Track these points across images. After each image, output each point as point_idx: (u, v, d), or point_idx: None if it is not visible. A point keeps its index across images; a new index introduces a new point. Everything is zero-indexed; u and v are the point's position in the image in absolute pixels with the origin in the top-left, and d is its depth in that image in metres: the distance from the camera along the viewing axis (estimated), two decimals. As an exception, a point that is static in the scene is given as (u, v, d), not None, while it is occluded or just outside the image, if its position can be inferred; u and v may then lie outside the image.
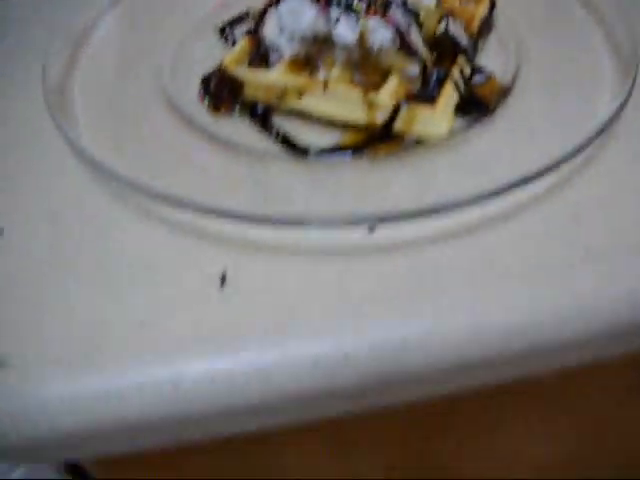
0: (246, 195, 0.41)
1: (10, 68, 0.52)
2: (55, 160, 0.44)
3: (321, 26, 0.43)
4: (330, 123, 0.44)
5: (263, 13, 0.46)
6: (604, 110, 0.41)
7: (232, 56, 0.45)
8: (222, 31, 0.53)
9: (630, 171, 0.40)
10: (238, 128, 0.45)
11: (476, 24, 0.49)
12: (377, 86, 0.44)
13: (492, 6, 0.52)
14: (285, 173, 0.42)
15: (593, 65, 0.48)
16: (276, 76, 0.44)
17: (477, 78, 0.47)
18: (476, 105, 0.45)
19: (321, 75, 0.45)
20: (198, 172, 0.43)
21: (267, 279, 0.37)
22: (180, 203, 0.38)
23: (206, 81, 0.48)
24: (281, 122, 0.45)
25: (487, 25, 0.51)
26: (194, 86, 0.48)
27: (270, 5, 0.46)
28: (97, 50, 0.53)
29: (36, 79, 0.47)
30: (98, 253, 0.39)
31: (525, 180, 0.37)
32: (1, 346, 0.34)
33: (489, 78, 0.47)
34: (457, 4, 0.50)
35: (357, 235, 0.38)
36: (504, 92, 0.46)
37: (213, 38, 0.54)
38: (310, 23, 0.43)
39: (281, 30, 0.45)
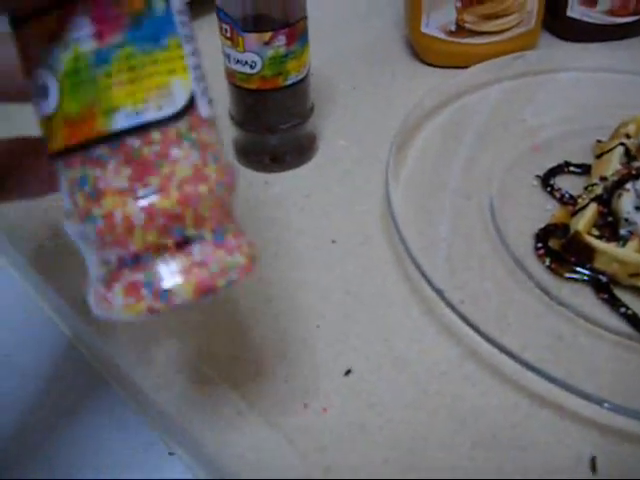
0: (599, 376, 0.41)
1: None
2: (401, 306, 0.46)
3: None
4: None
5: (618, 185, 0.47)
6: None
7: (584, 222, 0.46)
8: (543, 180, 0.53)
9: None
10: (577, 292, 0.46)
11: None
12: None
13: None
14: (630, 353, 0.42)
15: None
16: (634, 254, 0.44)
17: None
18: None
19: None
20: (546, 337, 0.44)
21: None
22: (543, 374, 0.39)
23: (541, 236, 0.48)
24: (624, 297, 0.46)
25: None
26: (519, 230, 0.50)
27: (626, 178, 0.47)
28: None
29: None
30: (451, 411, 0.40)
31: None
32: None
33: None
34: None
35: None
36: None
37: (527, 179, 0.55)
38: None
39: (638, 207, 0.45)
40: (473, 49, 0.65)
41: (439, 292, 0.42)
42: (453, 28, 0.65)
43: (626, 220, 0.46)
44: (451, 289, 0.43)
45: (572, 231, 0.46)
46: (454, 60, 0.65)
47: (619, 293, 0.46)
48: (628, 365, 0.42)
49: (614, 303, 0.45)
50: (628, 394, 0.39)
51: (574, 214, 0.48)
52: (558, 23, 0.71)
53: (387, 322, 0.44)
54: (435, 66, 0.68)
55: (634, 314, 0.44)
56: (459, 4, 0.63)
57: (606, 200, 0.47)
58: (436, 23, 0.65)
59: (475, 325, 0.40)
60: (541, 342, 0.43)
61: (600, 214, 0.47)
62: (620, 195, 0.46)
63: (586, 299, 0.46)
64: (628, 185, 0.46)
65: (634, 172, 0.47)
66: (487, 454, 0.37)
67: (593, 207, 0.47)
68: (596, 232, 0.47)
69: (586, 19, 0.70)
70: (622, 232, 0.46)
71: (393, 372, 0.41)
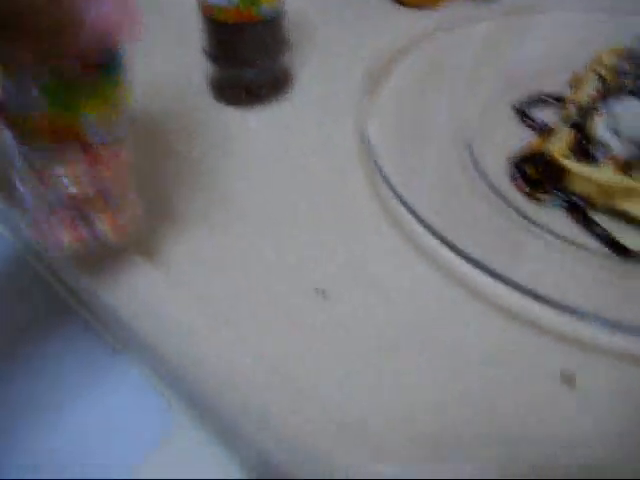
0: (570, 289, 0.41)
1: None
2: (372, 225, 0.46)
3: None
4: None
5: (591, 108, 0.47)
6: None
7: (559, 146, 0.46)
8: (519, 111, 0.53)
9: None
10: (553, 216, 0.46)
11: None
12: None
13: None
14: (606, 271, 0.43)
15: None
16: (609, 174, 0.44)
17: None
18: None
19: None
20: (522, 256, 0.44)
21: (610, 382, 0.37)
22: (517, 286, 0.39)
23: (518, 164, 0.48)
24: (599, 219, 0.46)
25: None
26: (496, 160, 0.50)
27: (598, 100, 0.47)
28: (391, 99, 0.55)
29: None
30: (421, 332, 0.40)
31: None
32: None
33: None
34: None
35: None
36: None
37: (503, 111, 0.55)
38: (653, 130, 0.44)
39: (613, 129, 0.45)
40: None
41: (414, 213, 0.42)
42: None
43: (600, 143, 0.46)
44: (428, 212, 0.43)
45: (548, 155, 0.46)
46: (428, 0, 0.65)
47: (594, 216, 0.46)
48: (605, 280, 0.43)
49: (589, 225, 0.45)
50: (604, 306, 0.39)
51: (549, 140, 0.48)
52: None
53: (357, 239, 0.45)
54: (409, 6, 0.67)
55: (608, 235, 0.44)
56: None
57: (580, 124, 0.47)
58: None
59: (449, 241, 0.40)
60: (517, 260, 0.43)
61: (575, 139, 0.47)
62: (593, 118, 0.46)
63: (562, 221, 0.46)
64: (601, 108, 0.46)
65: (605, 93, 0.46)
66: (462, 368, 0.38)
67: (568, 132, 0.47)
68: (571, 156, 0.47)
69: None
70: (596, 155, 0.46)
71: (365, 290, 0.42)
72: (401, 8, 0.67)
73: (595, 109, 0.47)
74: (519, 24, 0.64)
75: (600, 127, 0.46)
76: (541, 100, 0.55)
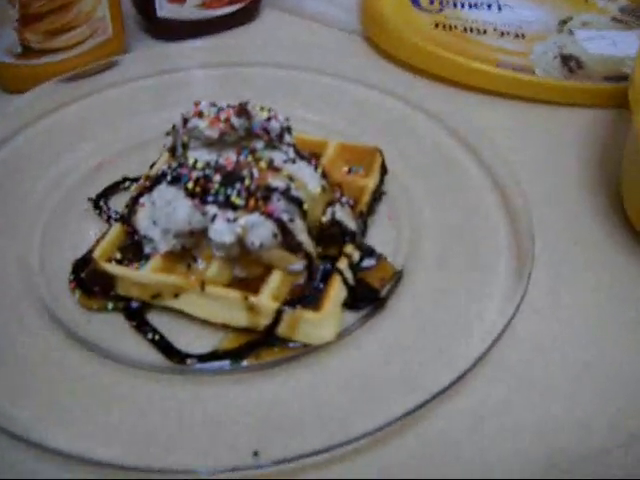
0: (119, 415, 0.37)
1: None
2: None
3: (197, 221, 0.40)
4: (210, 323, 0.40)
5: (135, 201, 0.43)
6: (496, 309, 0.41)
7: (103, 246, 0.42)
8: (95, 202, 0.48)
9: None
10: (112, 325, 0.41)
11: (366, 198, 0.46)
12: (259, 280, 0.40)
13: (383, 173, 0.49)
14: (161, 384, 0.38)
15: (489, 235, 0.47)
16: (149, 274, 0.40)
17: (367, 262, 0.44)
18: (366, 295, 0.42)
19: (199, 267, 0.41)
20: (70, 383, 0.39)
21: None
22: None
23: (77, 268, 0.44)
24: (159, 320, 0.41)
25: (378, 196, 0.48)
26: (62, 263, 0.45)
27: (141, 193, 0.43)
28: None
29: None
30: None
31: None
32: None
33: (380, 261, 0.44)
34: (345, 176, 0.48)
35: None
36: (396, 277, 0.43)
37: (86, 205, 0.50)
38: (185, 219, 0.40)
39: (154, 222, 0.41)
40: (50, 68, 0.60)
41: None
42: (19, 50, 0.59)
43: (145, 237, 0.41)
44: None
45: (91, 257, 0.42)
46: (34, 83, 0.59)
47: (155, 317, 0.42)
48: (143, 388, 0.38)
49: (142, 330, 0.40)
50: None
51: (101, 238, 0.43)
52: (152, 24, 0.67)
53: None
54: (19, 93, 0.60)
55: (161, 338, 0.40)
56: (17, 24, 0.57)
57: (129, 219, 0.42)
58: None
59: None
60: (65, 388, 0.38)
61: (128, 234, 0.43)
62: (136, 211, 0.42)
63: (117, 331, 0.41)
64: (143, 199, 0.42)
65: (148, 184, 0.42)
66: None
67: (116, 228, 0.43)
68: (120, 255, 0.42)
69: (178, 17, 0.65)
70: (146, 250, 0.42)
71: None
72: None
73: (137, 200, 0.42)
74: (129, 91, 0.61)
75: (142, 220, 0.41)
76: (122, 184, 0.49)
